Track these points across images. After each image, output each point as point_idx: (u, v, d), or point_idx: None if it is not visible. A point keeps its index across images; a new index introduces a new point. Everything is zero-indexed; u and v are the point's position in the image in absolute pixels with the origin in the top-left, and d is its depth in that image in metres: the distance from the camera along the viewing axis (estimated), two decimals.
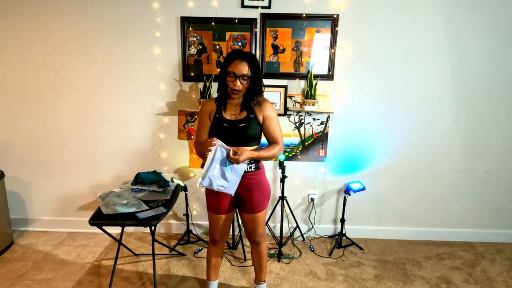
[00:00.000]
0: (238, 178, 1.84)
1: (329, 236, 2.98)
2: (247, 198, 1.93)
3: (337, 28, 2.54)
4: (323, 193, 2.91)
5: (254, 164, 1.91)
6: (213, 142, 1.76)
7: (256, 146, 1.92)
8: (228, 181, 1.81)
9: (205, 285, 2.27)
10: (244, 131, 1.83)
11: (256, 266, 2.15)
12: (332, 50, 2.58)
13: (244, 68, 1.76)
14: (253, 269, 2.20)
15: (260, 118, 1.88)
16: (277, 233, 2.79)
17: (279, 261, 2.61)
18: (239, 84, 1.77)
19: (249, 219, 1.97)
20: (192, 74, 2.65)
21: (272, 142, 1.94)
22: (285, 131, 2.74)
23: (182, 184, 2.65)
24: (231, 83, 1.79)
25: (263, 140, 1.96)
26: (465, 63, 2.61)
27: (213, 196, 1.94)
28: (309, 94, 2.57)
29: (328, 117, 2.72)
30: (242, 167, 1.83)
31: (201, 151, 1.84)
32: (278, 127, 1.92)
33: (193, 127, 2.76)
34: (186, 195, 2.74)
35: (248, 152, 1.80)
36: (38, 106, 2.76)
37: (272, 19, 2.55)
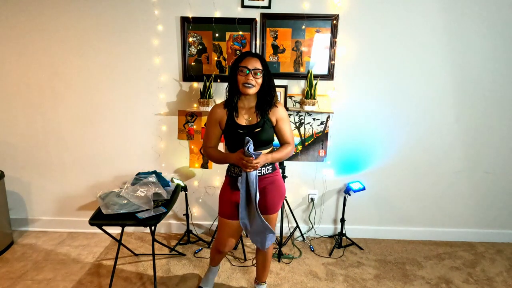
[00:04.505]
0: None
1: (329, 236, 2.98)
2: (262, 199, 1.88)
3: (337, 28, 2.54)
4: (323, 193, 2.91)
5: (271, 165, 1.90)
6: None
7: (270, 149, 1.89)
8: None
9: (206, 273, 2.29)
10: (259, 136, 1.80)
11: (260, 268, 2.15)
12: (332, 50, 2.58)
13: (256, 63, 1.76)
14: (256, 269, 2.20)
15: (274, 121, 1.87)
16: (277, 233, 2.79)
17: (279, 261, 2.61)
18: (251, 78, 1.74)
19: None
20: (192, 74, 2.65)
21: (284, 143, 1.92)
22: None
23: (182, 184, 2.66)
24: (243, 78, 1.75)
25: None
26: (466, 63, 2.61)
27: (229, 199, 1.90)
28: (309, 94, 2.57)
29: (328, 117, 2.72)
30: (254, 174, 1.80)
31: (220, 162, 1.89)
32: (289, 127, 1.92)
33: (193, 127, 2.76)
34: (186, 195, 2.74)
35: (263, 156, 1.76)
36: (38, 106, 2.76)
37: (272, 19, 2.55)
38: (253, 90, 1.77)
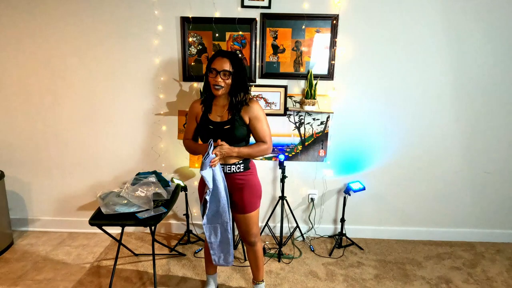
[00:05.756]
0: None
1: (329, 236, 2.98)
2: (238, 199, 1.92)
3: (337, 28, 2.54)
4: (323, 193, 2.91)
5: (242, 165, 1.91)
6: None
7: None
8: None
9: (205, 286, 2.28)
10: (229, 133, 1.83)
11: (253, 267, 2.15)
12: (332, 50, 2.58)
13: (225, 65, 1.77)
14: (250, 269, 2.20)
15: (246, 119, 1.87)
16: (277, 233, 2.79)
17: (279, 261, 2.61)
18: (220, 80, 1.77)
19: (242, 219, 1.97)
20: (192, 74, 2.65)
21: (260, 142, 1.93)
22: (285, 131, 2.74)
23: (182, 184, 2.66)
24: (212, 79, 1.79)
25: (252, 140, 1.97)
26: (465, 63, 2.61)
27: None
28: (309, 94, 2.57)
29: (328, 117, 2.72)
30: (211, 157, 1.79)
31: (193, 152, 2.02)
32: (266, 127, 1.91)
33: None
34: (186, 195, 2.74)
35: (227, 146, 1.79)
36: (38, 106, 2.76)
37: (272, 19, 2.55)
38: (222, 91, 1.81)
